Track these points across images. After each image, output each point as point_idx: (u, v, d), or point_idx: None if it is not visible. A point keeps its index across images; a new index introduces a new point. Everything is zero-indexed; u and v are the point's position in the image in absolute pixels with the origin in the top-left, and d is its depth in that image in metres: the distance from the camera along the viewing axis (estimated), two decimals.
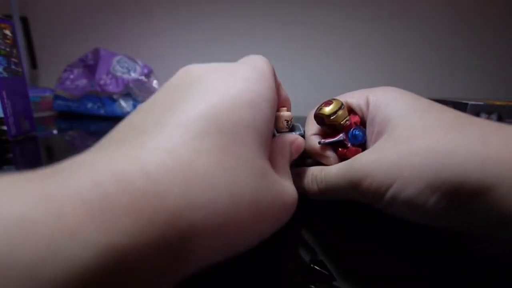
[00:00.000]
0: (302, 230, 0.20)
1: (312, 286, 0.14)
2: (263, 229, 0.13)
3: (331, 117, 0.20)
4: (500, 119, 0.40)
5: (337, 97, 0.21)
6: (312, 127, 0.23)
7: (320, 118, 0.21)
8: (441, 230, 0.17)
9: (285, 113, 0.21)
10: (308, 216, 0.22)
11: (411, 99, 0.18)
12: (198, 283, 0.14)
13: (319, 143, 0.21)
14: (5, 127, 0.43)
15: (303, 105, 0.40)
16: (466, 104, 0.41)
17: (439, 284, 0.15)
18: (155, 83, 0.74)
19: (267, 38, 0.83)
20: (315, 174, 0.20)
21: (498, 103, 0.41)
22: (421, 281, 0.15)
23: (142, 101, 0.71)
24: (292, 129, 0.22)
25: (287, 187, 0.15)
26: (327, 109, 0.20)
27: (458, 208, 0.14)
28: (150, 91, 0.73)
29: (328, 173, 0.19)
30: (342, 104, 0.20)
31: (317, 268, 0.15)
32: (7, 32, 0.43)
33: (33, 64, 0.90)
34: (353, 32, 0.80)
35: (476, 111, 0.40)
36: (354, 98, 0.21)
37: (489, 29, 0.76)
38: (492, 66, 0.78)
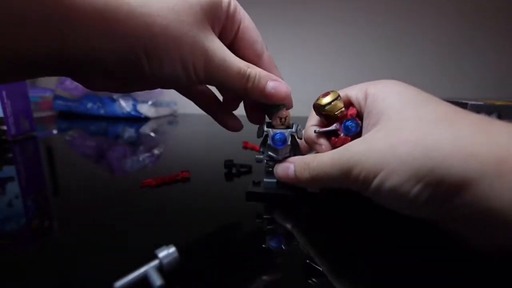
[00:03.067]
0: (297, 230, 0.20)
1: (309, 281, 0.14)
2: (184, 57, 0.18)
3: (326, 107, 0.21)
4: (500, 119, 0.40)
5: (338, 91, 0.22)
6: (313, 118, 0.24)
7: (317, 107, 0.22)
8: (431, 226, 0.18)
9: (283, 112, 0.23)
10: (303, 218, 0.22)
11: (409, 93, 0.18)
12: (200, 283, 0.14)
13: (315, 131, 0.23)
14: (5, 127, 0.43)
15: (303, 105, 0.40)
16: (466, 104, 0.41)
17: (428, 279, 0.15)
18: None
19: (267, 37, 0.84)
20: (307, 162, 0.21)
21: (498, 103, 0.41)
22: (409, 277, 0.15)
23: (142, 101, 0.71)
24: (288, 126, 0.23)
25: (215, 47, 0.19)
26: (324, 100, 0.22)
27: (440, 199, 0.15)
28: (150, 91, 0.73)
29: (320, 160, 0.20)
30: (338, 95, 0.22)
31: (312, 264, 0.16)
32: None
33: None
34: (354, 32, 0.80)
35: (476, 111, 0.40)
36: (353, 91, 0.22)
37: (490, 29, 0.76)
38: (492, 66, 0.78)
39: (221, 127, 0.27)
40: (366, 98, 0.20)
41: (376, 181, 0.16)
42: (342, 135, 0.21)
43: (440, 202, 0.15)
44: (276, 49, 0.84)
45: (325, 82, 0.82)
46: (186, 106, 0.87)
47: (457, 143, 0.14)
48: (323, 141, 0.23)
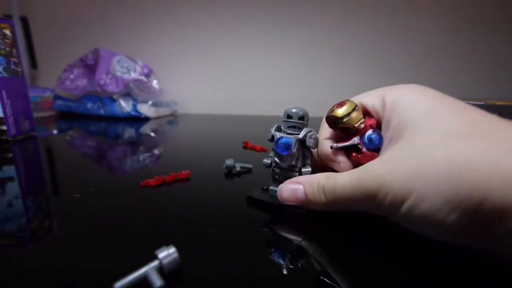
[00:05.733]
0: (310, 243, 0.19)
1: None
2: None
3: (344, 119, 0.18)
4: None
5: (352, 98, 0.20)
6: (325, 131, 0.21)
7: (332, 120, 0.19)
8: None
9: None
10: (316, 229, 0.20)
11: (431, 100, 0.16)
12: (200, 283, 0.14)
13: (331, 147, 0.20)
14: (5, 127, 0.43)
15: (313, 104, 0.40)
16: None
17: None
18: (155, 83, 0.74)
19: (270, 38, 0.83)
20: (321, 183, 0.18)
21: (498, 103, 0.41)
22: None
23: (142, 101, 0.71)
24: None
25: None
26: (340, 111, 0.18)
27: (481, 227, 0.13)
28: (150, 91, 0.73)
29: (337, 182, 0.17)
30: (356, 105, 0.19)
31: (326, 280, 0.15)
32: (7, 32, 0.43)
33: (33, 64, 0.90)
34: (358, 33, 0.80)
35: None
36: (369, 98, 0.19)
37: (490, 29, 0.76)
38: (492, 66, 0.78)
39: (221, 127, 0.26)
40: (384, 106, 0.18)
41: (405, 207, 0.14)
42: (365, 149, 0.19)
43: (481, 230, 0.13)
44: (280, 50, 0.84)
45: (335, 83, 0.82)
46: (186, 106, 0.87)
47: (493, 160, 0.13)
48: (342, 158, 0.20)
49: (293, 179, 0.20)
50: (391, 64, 0.81)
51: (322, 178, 0.18)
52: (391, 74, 0.81)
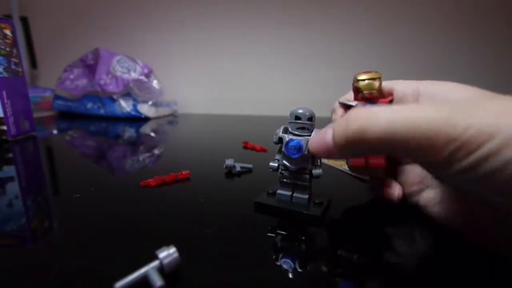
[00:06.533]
0: (301, 231, 0.20)
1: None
2: None
3: (359, 82, 0.21)
4: None
5: (385, 82, 0.21)
6: (348, 95, 0.24)
7: (354, 79, 0.22)
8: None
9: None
10: (321, 229, 0.21)
11: (470, 91, 0.17)
12: (200, 284, 0.14)
13: (338, 101, 0.23)
14: (5, 127, 0.43)
15: (313, 104, 0.40)
16: None
17: None
18: (155, 83, 0.74)
19: (270, 38, 0.83)
20: (352, 116, 0.15)
21: None
22: None
23: (142, 101, 0.71)
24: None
25: None
26: (361, 75, 0.21)
27: None
28: (150, 91, 0.73)
29: (393, 110, 0.14)
30: (378, 77, 0.21)
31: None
32: (7, 32, 0.43)
33: (33, 64, 0.90)
34: (358, 33, 0.80)
35: None
36: (400, 85, 0.21)
37: (490, 28, 0.76)
38: (493, 66, 0.78)
39: (221, 127, 0.26)
40: (416, 95, 0.19)
41: (479, 153, 0.12)
42: None
43: None
44: (280, 50, 0.84)
45: (335, 83, 0.82)
46: (186, 106, 0.87)
47: None
48: (340, 112, 0.22)
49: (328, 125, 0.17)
50: (391, 64, 0.81)
51: (355, 111, 0.15)
52: (391, 74, 0.81)
